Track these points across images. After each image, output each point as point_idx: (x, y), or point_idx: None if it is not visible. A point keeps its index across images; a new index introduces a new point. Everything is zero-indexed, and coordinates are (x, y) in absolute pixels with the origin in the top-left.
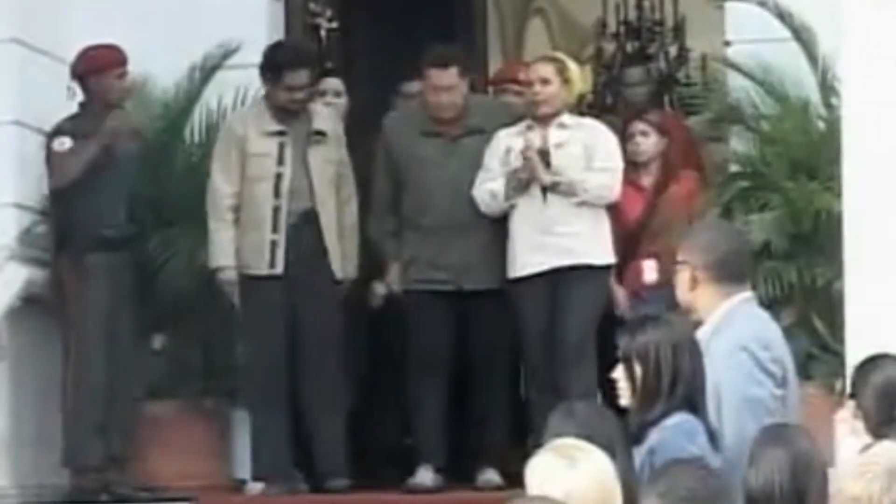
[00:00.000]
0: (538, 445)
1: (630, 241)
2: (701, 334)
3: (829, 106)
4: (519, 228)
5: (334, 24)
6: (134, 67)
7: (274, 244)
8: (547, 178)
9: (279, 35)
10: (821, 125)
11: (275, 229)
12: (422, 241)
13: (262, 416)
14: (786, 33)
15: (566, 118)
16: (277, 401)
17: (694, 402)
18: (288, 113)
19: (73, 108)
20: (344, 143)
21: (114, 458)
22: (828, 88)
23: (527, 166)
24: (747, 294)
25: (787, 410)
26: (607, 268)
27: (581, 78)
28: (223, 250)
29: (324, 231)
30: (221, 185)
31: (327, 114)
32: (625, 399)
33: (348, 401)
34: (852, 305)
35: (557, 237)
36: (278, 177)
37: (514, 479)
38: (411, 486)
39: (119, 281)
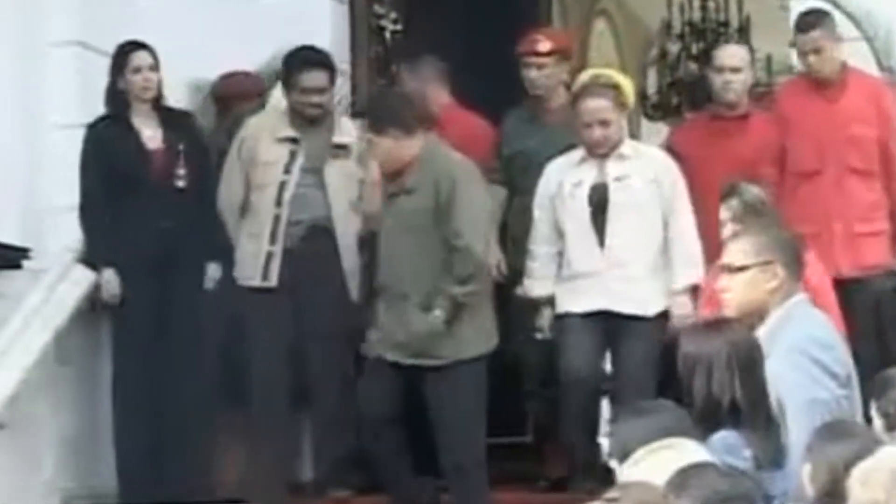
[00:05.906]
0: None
1: None
2: (760, 335)
3: None
4: (571, 265)
5: (399, 27)
6: (198, 72)
7: (269, 256)
8: None
9: (344, 38)
10: None
11: (272, 240)
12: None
13: (261, 434)
14: (852, 33)
15: (625, 147)
16: (275, 422)
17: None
18: (306, 120)
19: None
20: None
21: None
22: None
23: None
24: (804, 295)
25: (854, 409)
26: (662, 315)
27: (631, 87)
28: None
29: (340, 247)
30: (224, 194)
31: (353, 127)
32: None
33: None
34: None
35: (611, 281)
36: (282, 185)
37: None
38: None
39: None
